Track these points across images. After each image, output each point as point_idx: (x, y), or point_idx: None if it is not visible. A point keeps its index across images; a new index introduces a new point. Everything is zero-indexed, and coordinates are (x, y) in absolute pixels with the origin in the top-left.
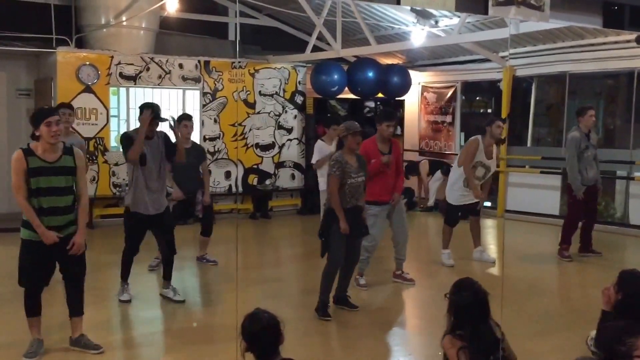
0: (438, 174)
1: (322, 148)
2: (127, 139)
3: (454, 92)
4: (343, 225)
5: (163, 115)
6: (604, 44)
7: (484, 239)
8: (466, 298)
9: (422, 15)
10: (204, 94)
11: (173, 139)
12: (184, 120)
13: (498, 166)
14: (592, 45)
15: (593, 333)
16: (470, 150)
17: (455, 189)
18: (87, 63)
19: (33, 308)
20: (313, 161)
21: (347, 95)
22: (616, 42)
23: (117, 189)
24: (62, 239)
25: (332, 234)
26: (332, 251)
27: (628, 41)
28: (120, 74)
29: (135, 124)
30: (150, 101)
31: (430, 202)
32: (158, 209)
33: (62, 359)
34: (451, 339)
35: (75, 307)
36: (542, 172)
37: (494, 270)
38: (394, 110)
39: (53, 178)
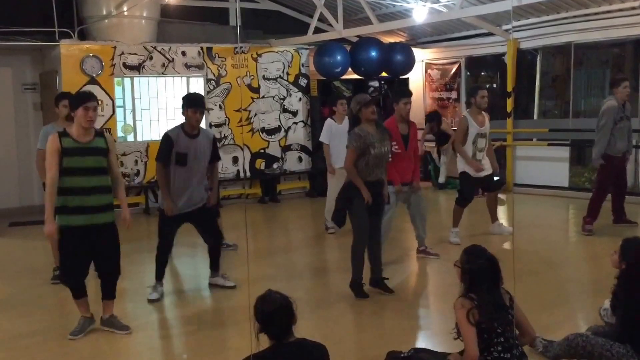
0: (449, 150)
1: (332, 126)
2: (166, 142)
3: (458, 68)
4: (366, 195)
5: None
6: (609, 12)
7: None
8: (481, 264)
9: None
10: (208, 81)
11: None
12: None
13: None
14: (597, 14)
15: (606, 303)
16: (460, 130)
17: (460, 160)
18: (91, 55)
19: (78, 291)
20: (322, 139)
21: (351, 75)
22: (621, 10)
23: (126, 178)
24: (98, 227)
25: (353, 208)
26: (356, 226)
27: (633, 8)
28: (124, 64)
29: (140, 113)
30: (194, 92)
31: (442, 179)
32: (197, 203)
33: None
34: (462, 300)
35: (108, 292)
36: (549, 145)
37: (506, 244)
38: (408, 87)
39: (86, 159)
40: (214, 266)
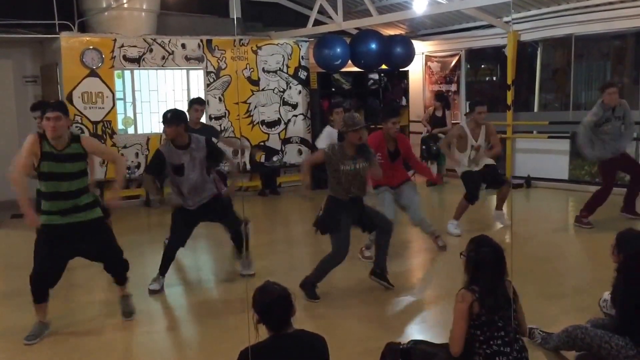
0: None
1: (332, 134)
2: (157, 157)
3: (458, 61)
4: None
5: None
6: (610, 3)
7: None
8: (486, 254)
9: None
10: (207, 73)
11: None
12: (194, 104)
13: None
14: (598, 5)
15: (606, 294)
16: (452, 135)
17: (465, 161)
18: (91, 47)
19: (41, 294)
20: (321, 146)
21: (351, 68)
22: (622, 2)
23: (127, 171)
24: (82, 225)
25: (335, 225)
26: (337, 243)
27: None
28: (124, 57)
29: (141, 106)
30: (170, 109)
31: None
32: (201, 201)
33: (64, 341)
34: (464, 292)
35: (117, 279)
36: (550, 137)
37: (506, 236)
38: (398, 105)
39: (58, 164)
40: (238, 250)
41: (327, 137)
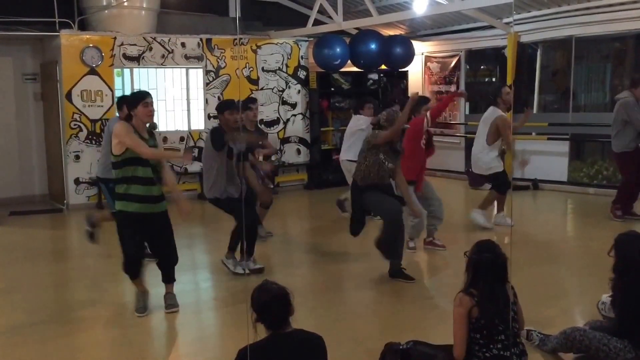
0: None
1: (359, 119)
2: (218, 135)
3: (458, 61)
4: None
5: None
6: (610, 5)
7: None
8: (487, 259)
9: None
10: (207, 72)
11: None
12: (249, 104)
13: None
14: (598, 7)
15: (604, 297)
16: (507, 126)
17: (495, 158)
18: (91, 45)
19: (136, 271)
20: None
21: (350, 68)
22: (622, 3)
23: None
24: (153, 216)
25: (368, 199)
26: (384, 210)
27: (635, 1)
28: (124, 55)
29: None
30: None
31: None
32: (237, 192)
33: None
34: (462, 297)
35: (166, 277)
36: (549, 139)
37: (505, 238)
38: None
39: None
40: (248, 251)
41: (354, 122)
